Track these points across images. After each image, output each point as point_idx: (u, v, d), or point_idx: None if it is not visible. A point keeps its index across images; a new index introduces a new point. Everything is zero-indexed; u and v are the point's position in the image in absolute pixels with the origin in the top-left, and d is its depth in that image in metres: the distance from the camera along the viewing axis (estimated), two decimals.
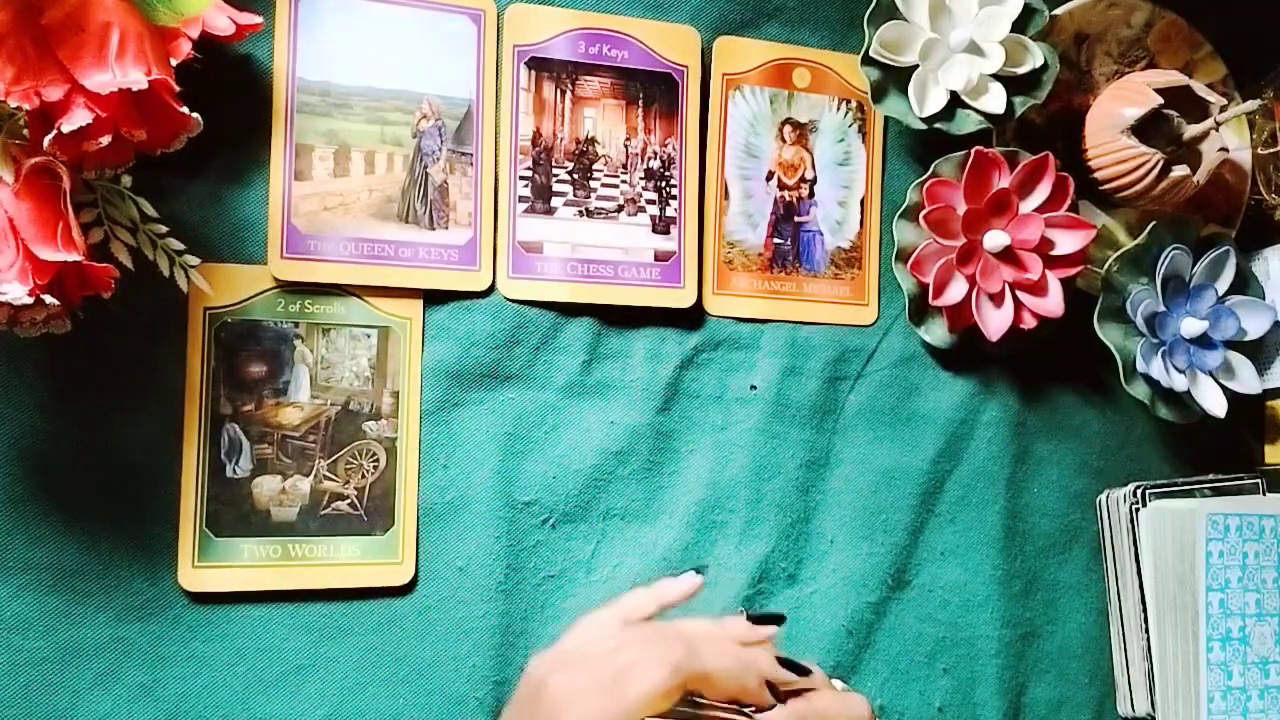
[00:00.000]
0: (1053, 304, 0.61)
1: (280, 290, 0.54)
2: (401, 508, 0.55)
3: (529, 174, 0.59)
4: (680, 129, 0.61)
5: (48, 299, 0.44)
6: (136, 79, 0.44)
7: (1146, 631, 0.64)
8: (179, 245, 0.52)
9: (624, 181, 0.60)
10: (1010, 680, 0.64)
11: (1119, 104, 0.61)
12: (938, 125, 0.60)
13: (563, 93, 0.59)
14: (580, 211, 0.59)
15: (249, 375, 0.53)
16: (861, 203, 0.65)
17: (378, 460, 0.54)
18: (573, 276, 0.59)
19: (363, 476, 0.54)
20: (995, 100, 0.60)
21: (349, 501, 0.54)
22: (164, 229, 0.51)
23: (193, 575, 0.52)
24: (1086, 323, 0.63)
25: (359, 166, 0.56)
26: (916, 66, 0.60)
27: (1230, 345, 0.65)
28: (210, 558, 0.52)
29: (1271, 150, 0.68)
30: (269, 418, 0.53)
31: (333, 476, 0.54)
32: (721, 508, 0.61)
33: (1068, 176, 0.61)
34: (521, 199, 0.58)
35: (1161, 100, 0.60)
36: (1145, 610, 0.64)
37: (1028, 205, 0.61)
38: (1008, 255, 0.61)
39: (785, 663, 0.47)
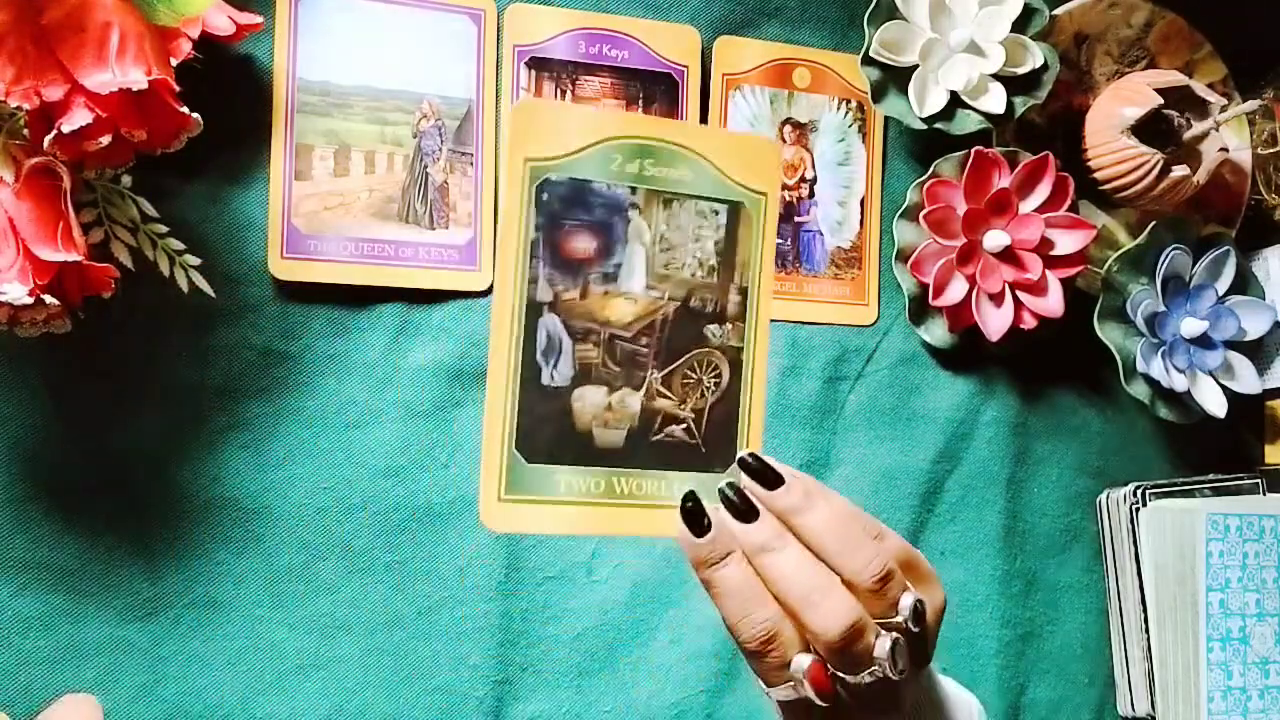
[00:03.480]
0: (1053, 304, 0.61)
1: (616, 142, 0.42)
2: (745, 437, 0.43)
3: None
4: None
5: (48, 299, 0.44)
6: (136, 79, 0.44)
7: (1146, 631, 0.64)
8: (179, 245, 0.52)
9: None
10: (1010, 680, 0.64)
11: (1119, 104, 0.61)
12: (938, 125, 0.60)
13: (563, 92, 0.59)
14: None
15: (574, 253, 0.41)
16: (861, 203, 0.65)
17: (719, 376, 0.43)
18: None
19: (702, 395, 0.43)
20: (995, 100, 0.60)
21: (685, 426, 0.42)
22: (164, 229, 0.51)
23: (500, 511, 0.40)
24: (1087, 323, 0.63)
25: (359, 166, 0.56)
26: (916, 66, 0.60)
27: (1230, 345, 0.65)
28: (521, 489, 0.40)
29: (1271, 150, 0.68)
30: (595, 311, 0.41)
31: (667, 393, 0.42)
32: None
33: (1068, 176, 0.61)
34: None
35: (1161, 100, 0.60)
36: (1145, 610, 0.64)
37: (1028, 205, 0.61)
38: (1008, 255, 0.61)
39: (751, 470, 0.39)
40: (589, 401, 0.41)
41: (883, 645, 0.36)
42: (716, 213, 0.42)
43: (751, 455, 0.39)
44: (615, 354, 0.42)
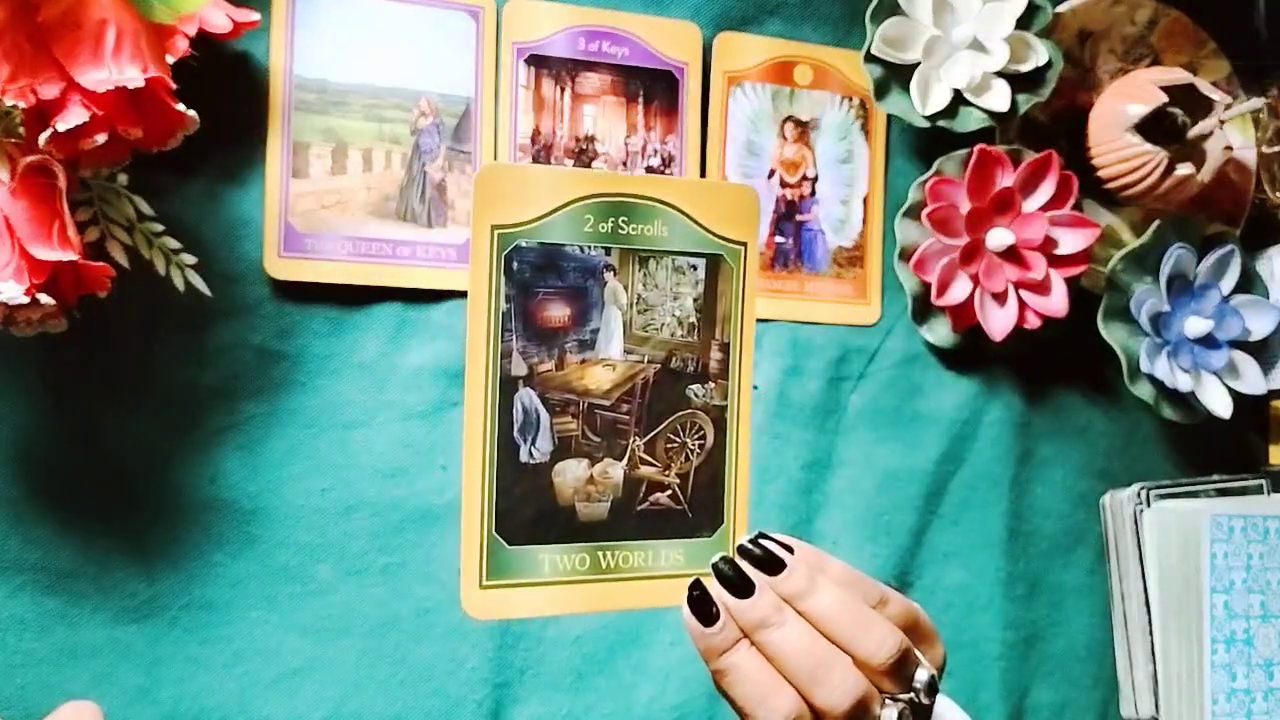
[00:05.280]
0: (1056, 303, 0.61)
1: (589, 202, 0.40)
2: (731, 499, 0.43)
3: None
4: (680, 126, 0.61)
5: (43, 298, 0.44)
6: (133, 76, 0.43)
7: (1150, 633, 0.64)
8: (175, 244, 0.51)
9: None
10: (1014, 683, 0.64)
11: (1123, 102, 0.61)
12: (941, 123, 0.60)
13: (562, 90, 0.59)
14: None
15: (548, 322, 0.39)
16: (864, 201, 0.64)
17: (704, 437, 0.42)
18: None
19: (686, 459, 0.41)
20: (998, 98, 0.60)
21: (670, 493, 0.41)
22: (160, 227, 0.51)
23: (482, 598, 0.39)
24: (1090, 322, 0.63)
25: (356, 164, 0.56)
26: (919, 64, 0.60)
27: (1235, 345, 0.64)
28: (503, 573, 0.39)
29: (1276, 149, 0.68)
30: (573, 381, 0.40)
31: (651, 460, 0.41)
32: None
33: (1071, 175, 0.61)
34: None
35: (1166, 98, 0.60)
36: (1149, 612, 0.64)
37: (1031, 204, 0.61)
38: (1011, 254, 0.61)
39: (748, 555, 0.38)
40: (570, 476, 0.40)
41: (890, 715, 0.36)
42: (695, 267, 0.41)
43: (752, 542, 0.38)
44: (595, 424, 0.40)
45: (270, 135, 0.54)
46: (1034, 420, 0.66)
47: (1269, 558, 0.65)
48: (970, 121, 0.60)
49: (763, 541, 0.38)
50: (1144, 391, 0.63)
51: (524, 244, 0.39)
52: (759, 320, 0.62)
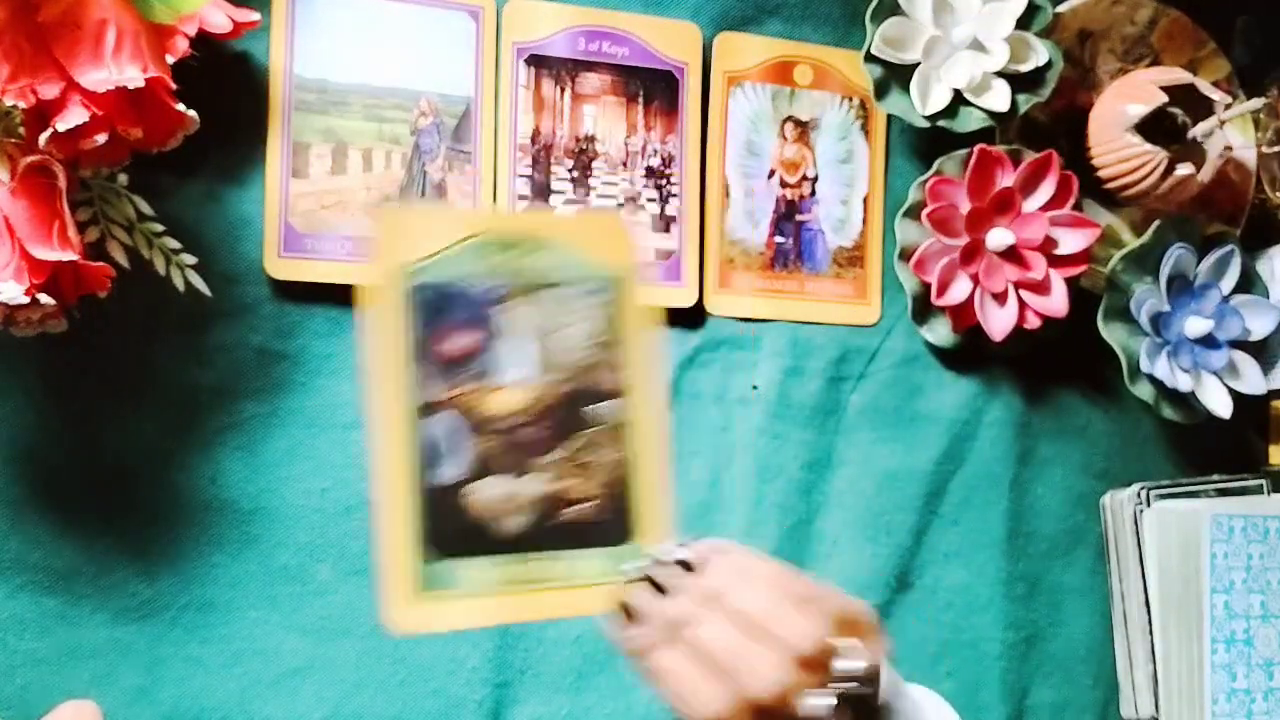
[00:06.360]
0: (1057, 303, 0.61)
1: (482, 239, 0.43)
2: (647, 509, 0.45)
3: (528, 172, 0.58)
4: (680, 126, 0.61)
5: (43, 298, 0.44)
6: (133, 76, 0.43)
7: (1150, 633, 0.64)
8: (175, 244, 0.51)
9: (624, 179, 0.60)
10: (1014, 683, 0.64)
11: (1123, 102, 0.61)
12: (941, 123, 0.60)
13: (562, 90, 0.59)
14: (580, 210, 0.59)
15: (454, 351, 0.42)
16: (864, 201, 0.64)
17: (615, 453, 0.44)
18: None
19: (600, 473, 0.44)
20: (998, 98, 0.60)
21: (586, 506, 0.44)
22: (160, 227, 0.51)
23: (406, 613, 0.41)
24: (1091, 322, 0.63)
25: (356, 164, 0.56)
26: (919, 64, 0.60)
27: (1235, 345, 0.64)
28: (425, 589, 0.41)
29: (1276, 149, 0.68)
30: (482, 405, 0.43)
31: (565, 475, 0.44)
32: (723, 509, 0.61)
33: (1071, 175, 0.61)
34: (521, 197, 0.58)
35: (1166, 98, 0.60)
36: (1149, 612, 0.64)
37: (1031, 204, 0.61)
38: (1011, 254, 0.61)
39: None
40: (487, 493, 0.42)
41: (821, 703, 0.36)
42: (591, 293, 0.43)
43: (663, 551, 0.40)
44: (508, 444, 0.42)
45: (270, 135, 0.54)
46: (1034, 420, 0.66)
47: (1269, 558, 0.65)
48: (970, 121, 0.60)
49: (677, 546, 0.40)
50: (1144, 391, 0.63)
51: (426, 280, 0.42)
52: (760, 320, 0.62)
